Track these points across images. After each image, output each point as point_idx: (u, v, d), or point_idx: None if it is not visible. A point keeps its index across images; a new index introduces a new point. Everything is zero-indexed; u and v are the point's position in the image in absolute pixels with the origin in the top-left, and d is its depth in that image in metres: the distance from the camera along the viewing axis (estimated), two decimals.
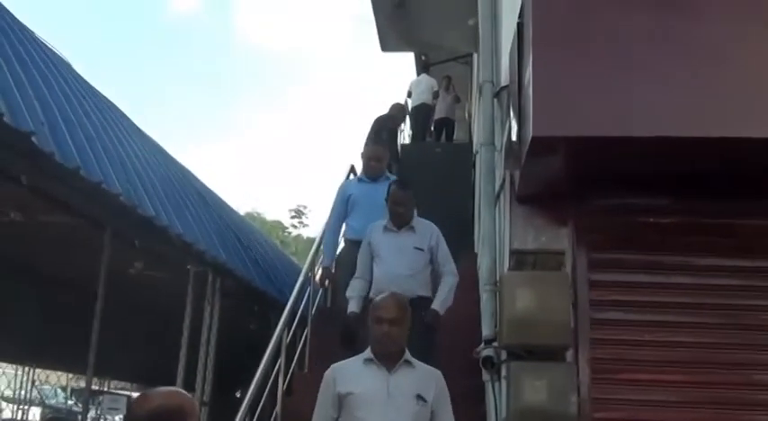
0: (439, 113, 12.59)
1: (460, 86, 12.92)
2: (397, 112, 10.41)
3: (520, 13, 3.41)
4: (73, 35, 50.06)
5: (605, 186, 3.35)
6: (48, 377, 18.64)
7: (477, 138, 8.00)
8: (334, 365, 3.14)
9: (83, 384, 20.56)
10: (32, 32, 5.82)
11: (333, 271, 5.48)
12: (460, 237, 7.23)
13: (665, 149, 3.05)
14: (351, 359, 3.16)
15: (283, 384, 5.26)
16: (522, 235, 3.50)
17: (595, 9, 3.12)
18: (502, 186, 4.05)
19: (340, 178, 7.33)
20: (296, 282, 6.10)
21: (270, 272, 8.96)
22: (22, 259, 7.46)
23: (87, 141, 5.12)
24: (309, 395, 5.11)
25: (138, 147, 6.69)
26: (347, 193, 5.41)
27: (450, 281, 4.39)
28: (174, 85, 59.87)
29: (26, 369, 17.03)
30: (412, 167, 9.09)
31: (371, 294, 4.31)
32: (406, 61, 13.44)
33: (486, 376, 3.85)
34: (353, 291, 4.48)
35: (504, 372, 3.56)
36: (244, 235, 9.07)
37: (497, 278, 3.91)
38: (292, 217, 35.24)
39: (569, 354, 3.26)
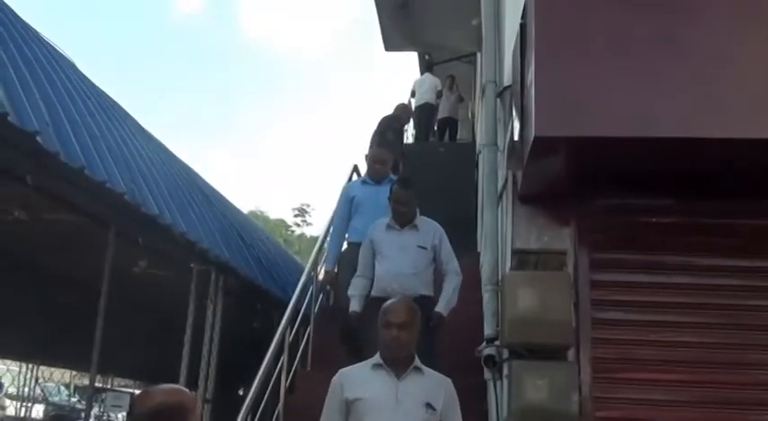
0: (442, 113, 12.59)
1: (464, 86, 12.91)
2: (402, 112, 10.41)
3: (522, 14, 3.42)
4: (77, 35, 50.20)
5: (607, 186, 3.36)
6: (52, 374, 18.72)
7: (480, 138, 8.01)
8: (341, 370, 3.08)
9: (86, 382, 20.70)
10: (37, 32, 5.85)
11: (335, 273, 5.47)
12: (463, 237, 7.24)
13: (666, 150, 3.06)
14: (359, 364, 3.11)
15: (286, 382, 5.28)
16: (525, 235, 3.50)
17: (597, 10, 3.13)
18: (504, 186, 4.06)
19: (343, 177, 7.35)
20: (298, 280, 6.12)
21: (272, 270, 8.99)
22: (26, 257, 7.51)
23: (92, 140, 5.15)
24: (311, 393, 5.16)
25: (142, 146, 6.72)
26: (351, 195, 5.40)
27: (454, 280, 4.39)
28: (177, 84, 59.97)
29: (30, 366, 17.10)
30: (415, 167, 9.09)
31: (374, 292, 4.34)
32: (409, 61, 13.42)
33: (487, 375, 3.85)
34: (355, 290, 4.47)
35: (505, 371, 3.57)
36: (247, 233, 9.10)
37: (499, 277, 3.92)
38: (296, 215, 35.30)
39: (571, 354, 3.27)
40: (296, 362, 5.73)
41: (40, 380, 18.71)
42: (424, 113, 12.30)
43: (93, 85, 6.66)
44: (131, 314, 8.57)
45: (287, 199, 69.43)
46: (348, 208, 5.37)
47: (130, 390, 16.65)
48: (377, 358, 3.01)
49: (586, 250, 3.41)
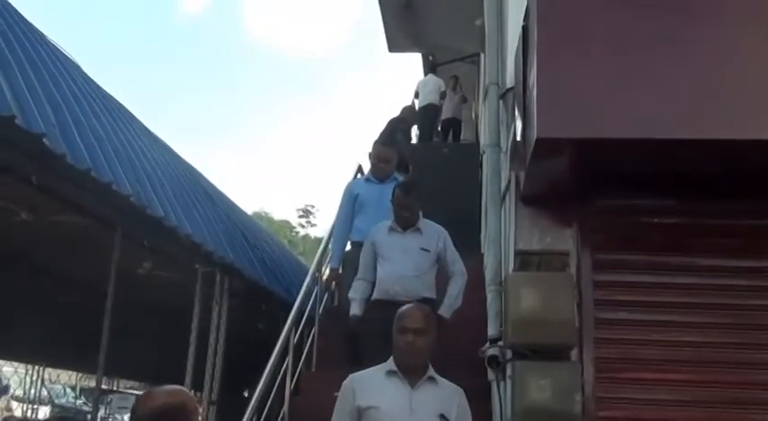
0: (446, 113, 12.61)
1: (467, 86, 12.93)
2: (408, 114, 10.46)
3: (525, 17, 3.43)
4: (80, 35, 50.36)
5: (609, 187, 3.37)
6: (59, 376, 18.79)
7: (483, 139, 8.02)
8: (353, 375, 3.02)
9: (92, 383, 20.76)
10: (43, 35, 5.89)
11: (340, 272, 5.39)
12: (467, 237, 7.25)
13: (668, 151, 3.07)
14: (371, 369, 3.04)
15: (291, 383, 5.30)
16: (528, 235, 3.51)
17: (599, 12, 3.14)
18: (507, 187, 4.07)
19: (348, 178, 7.36)
20: (303, 281, 6.13)
21: (277, 271, 9.01)
22: (33, 258, 7.54)
23: (97, 142, 5.19)
24: (316, 394, 5.19)
25: (147, 148, 6.76)
26: (354, 193, 5.34)
27: (459, 282, 4.37)
28: (181, 84, 60.11)
29: (36, 368, 17.17)
30: (419, 167, 9.11)
31: (375, 295, 4.32)
32: (413, 61, 13.43)
33: (491, 375, 3.86)
34: (355, 293, 4.43)
35: (509, 371, 3.58)
36: (251, 234, 9.13)
37: (503, 278, 3.93)
38: (300, 216, 35.35)
39: (574, 354, 3.27)
40: (301, 364, 5.75)
41: (46, 382, 18.78)
42: (428, 114, 12.32)
43: (98, 86, 6.70)
44: (137, 316, 8.60)
45: (291, 200, 69.51)
46: (351, 206, 5.31)
47: (137, 392, 16.67)
48: (391, 364, 2.96)
49: (589, 251, 3.42)
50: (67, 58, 6.27)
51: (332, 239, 5.68)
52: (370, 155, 5.57)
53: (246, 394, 12.36)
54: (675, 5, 3.11)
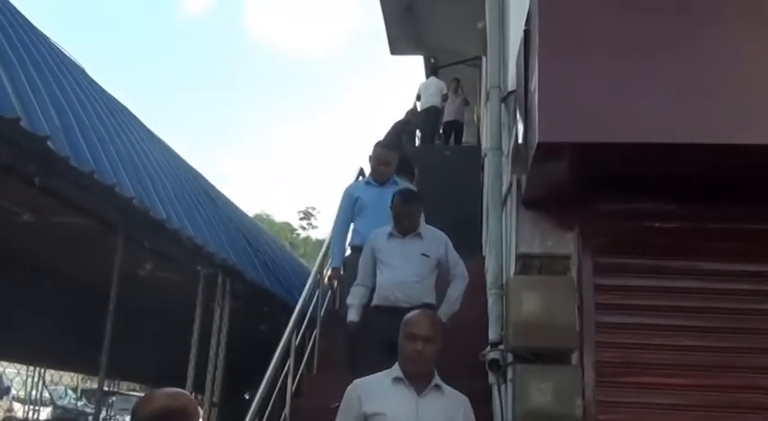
0: (448, 116, 12.62)
1: (469, 89, 12.95)
2: (413, 117, 10.50)
3: (526, 21, 3.45)
4: (83, 36, 50.47)
5: (611, 191, 3.38)
6: (61, 378, 18.80)
7: (485, 143, 8.03)
8: (357, 382, 3.01)
9: (93, 385, 20.77)
10: (47, 37, 5.92)
11: (342, 271, 5.33)
12: (468, 240, 7.27)
13: (670, 155, 3.07)
14: (376, 375, 3.02)
15: (292, 386, 5.31)
16: (529, 239, 3.52)
17: (601, 16, 3.15)
18: (509, 190, 4.08)
19: (349, 180, 7.37)
20: (304, 283, 6.14)
21: (279, 273, 9.03)
22: (34, 260, 7.56)
23: (101, 145, 5.21)
24: (318, 397, 5.20)
25: (150, 150, 6.78)
26: (354, 196, 5.30)
27: (459, 286, 4.38)
28: (183, 85, 60.23)
29: (37, 369, 17.18)
30: (421, 170, 9.13)
31: (375, 301, 4.30)
32: (416, 64, 13.45)
33: (492, 379, 3.87)
34: (354, 299, 4.41)
35: (510, 375, 3.58)
36: (253, 237, 9.15)
37: (504, 281, 3.94)
38: (301, 218, 35.37)
39: (575, 357, 3.28)
40: (302, 367, 5.75)
41: (48, 384, 18.79)
42: (430, 117, 12.34)
43: (101, 89, 6.73)
44: (139, 317, 8.62)
45: (292, 202, 69.56)
46: (351, 208, 5.27)
47: (139, 394, 16.67)
48: (397, 371, 2.94)
49: (590, 254, 3.43)
50: (71, 60, 6.31)
51: (331, 241, 5.64)
52: (370, 157, 5.52)
53: (247, 396, 12.37)
54: (676, 10, 3.12)
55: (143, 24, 58.82)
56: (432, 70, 12.90)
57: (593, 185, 3.33)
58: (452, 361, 3.97)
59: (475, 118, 13.48)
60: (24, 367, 17.56)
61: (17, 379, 18.82)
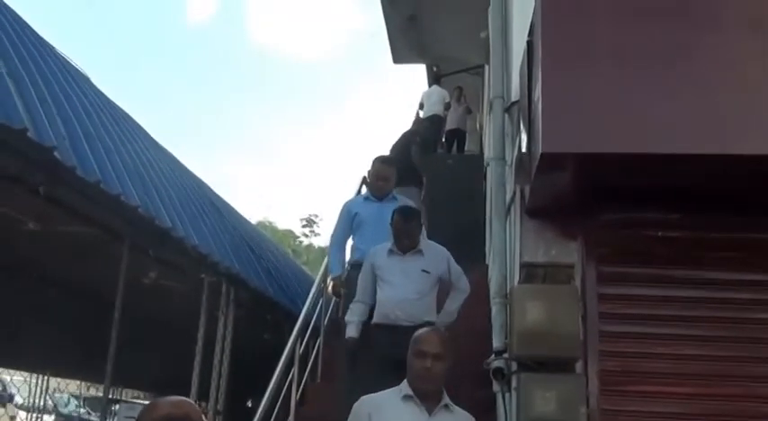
0: (450, 124, 12.66)
1: (471, 97, 12.99)
2: (421, 127, 10.53)
3: (529, 32, 3.48)
4: (88, 47, 50.69)
5: (614, 201, 3.39)
6: (67, 385, 18.78)
7: (488, 152, 8.06)
8: (364, 398, 3.00)
9: (96, 393, 20.74)
10: (53, 47, 5.98)
11: (343, 279, 5.24)
12: (471, 249, 7.28)
13: (673, 165, 3.07)
14: (384, 393, 3.00)
15: (296, 394, 5.32)
16: (533, 248, 3.53)
17: (604, 27, 3.16)
18: (512, 200, 4.10)
19: (351, 187, 7.41)
20: (307, 291, 6.15)
21: (282, 282, 9.05)
22: (39, 268, 7.59)
23: (107, 154, 5.25)
24: (321, 405, 5.22)
25: (155, 159, 6.83)
26: (353, 212, 5.24)
27: (459, 298, 4.39)
28: (185, 91, 60.42)
29: (41, 377, 17.19)
30: (429, 180, 9.10)
31: (375, 319, 4.28)
32: (420, 72, 13.51)
33: (496, 387, 3.88)
34: (353, 316, 4.38)
35: (514, 384, 3.59)
36: (257, 245, 9.17)
37: (508, 290, 3.95)
38: (304, 226, 35.46)
39: (579, 366, 3.28)
40: (306, 375, 5.76)
41: (51, 391, 18.79)
42: (433, 125, 12.37)
43: (107, 99, 6.78)
44: (143, 325, 8.64)
45: (295, 209, 69.64)
46: (349, 224, 5.22)
47: (144, 402, 16.67)
48: (406, 388, 2.92)
49: (594, 264, 3.44)
50: (77, 70, 6.36)
51: (330, 254, 5.55)
52: (368, 172, 5.47)
53: (250, 404, 12.36)
54: (680, 21, 3.13)
55: (148, 31, 59.18)
56: (434, 79, 12.95)
57: (597, 195, 3.34)
58: (456, 369, 4.01)
59: (477, 126, 13.53)
60: (26, 374, 17.57)
61: (23, 386, 18.83)
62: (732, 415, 3.21)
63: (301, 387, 5.53)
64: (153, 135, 7.83)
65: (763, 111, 2.98)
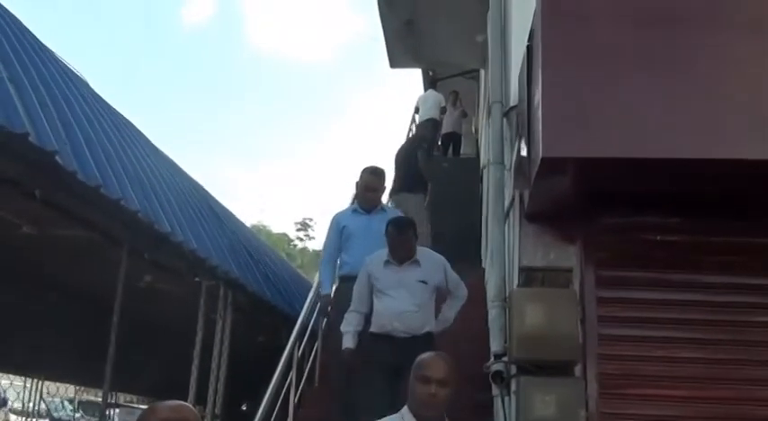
0: (446, 128, 12.68)
1: (467, 101, 13.02)
2: (425, 130, 10.54)
3: (529, 37, 3.51)
4: (84, 50, 50.61)
5: (613, 205, 3.42)
6: (64, 390, 18.69)
7: (484, 155, 8.08)
8: None
9: (89, 397, 20.64)
10: (53, 53, 5.99)
11: (332, 297, 5.18)
12: (468, 252, 7.31)
13: (673, 170, 3.11)
14: (385, 419, 2.94)
15: (294, 398, 5.33)
16: (532, 252, 3.56)
17: (604, 32, 3.18)
18: (511, 204, 4.12)
19: (347, 192, 7.42)
20: (304, 295, 6.16)
21: (279, 285, 9.06)
22: (34, 271, 7.57)
23: (107, 159, 5.27)
24: (318, 409, 5.23)
25: (155, 164, 6.84)
26: (341, 225, 5.18)
27: (456, 305, 4.40)
28: (181, 94, 60.35)
29: (34, 381, 17.12)
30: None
31: (373, 329, 4.24)
32: (414, 75, 13.52)
33: (495, 390, 3.90)
34: (349, 326, 4.32)
35: (513, 387, 3.61)
36: (254, 249, 9.19)
37: (507, 294, 3.97)
38: (298, 230, 35.45)
39: (578, 369, 3.30)
40: (303, 380, 5.77)
41: (45, 396, 18.70)
42: (429, 129, 12.39)
43: (106, 103, 6.80)
44: (140, 329, 8.62)
45: (289, 213, 69.56)
46: (338, 237, 5.16)
47: (142, 406, 16.60)
48: (408, 415, 2.86)
49: (592, 267, 3.47)
50: (77, 75, 6.38)
51: (320, 269, 5.48)
52: (356, 183, 5.40)
53: (245, 408, 12.34)
54: (679, 25, 3.15)
55: (144, 34, 59.12)
56: (430, 83, 12.98)
57: (596, 199, 3.37)
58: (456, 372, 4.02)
59: (473, 130, 13.56)
60: (19, 378, 17.49)
61: (10, 390, 18.76)
62: (730, 417, 3.24)
63: (299, 391, 5.54)
64: (149, 138, 7.84)
65: (763, 116, 3.01)
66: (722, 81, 3.07)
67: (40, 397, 17.95)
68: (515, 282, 3.75)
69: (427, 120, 12.25)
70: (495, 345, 3.90)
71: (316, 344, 6.08)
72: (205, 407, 7.41)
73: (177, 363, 7.92)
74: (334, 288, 5.23)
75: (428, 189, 7.71)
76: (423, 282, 4.23)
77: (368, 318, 4.33)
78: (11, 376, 17.73)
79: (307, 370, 5.95)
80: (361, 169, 5.34)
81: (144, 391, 18.06)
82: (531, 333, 3.30)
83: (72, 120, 5.01)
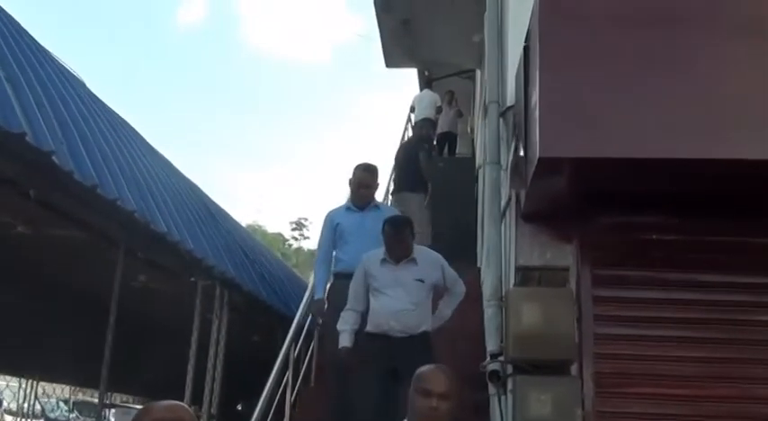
0: (441, 128, 12.69)
1: (462, 101, 13.04)
2: (426, 129, 10.53)
3: (526, 37, 3.51)
4: (80, 50, 50.49)
5: (609, 204, 3.42)
6: (60, 390, 18.65)
7: (480, 155, 8.10)
8: None
9: (84, 397, 20.58)
10: (50, 53, 5.98)
11: (325, 304, 5.09)
12: (463, 251, 7.32)
13: (670, 170, 3.11)
14: None
15: (291, 398, 5.33)
16: (528, 251, 3.57)
17: (601, 33, 3.19)
18: (507, 204, 4.12)
19: (342, 192, 7.41)
20: (299, 295, 6.15)
21: (275, 285, 9.07)
22: (29, 271, 7.55)
23: (103, 159, 5.26)
24: (314, 409, 5.23)
25: (151, 165, 6.84)
26: (335, 222, 5.11)
27: (454, 302, 4.39)
28: (177, 95, 60.26)
29: (29, 382, 17.08)
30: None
31: (369, 328, 4.21)
32: (410, 75, 13.54)
33: (492, 390, 3.90)
34: (345, 325, 4.28)
35: (509, 386, 3.61)
36: (250, 249, 9.19)
37: (503, 293, 3.98)
38: (293, 229, 35.43)
39: (574, 369, 3.31)
40: (299, 380, 5.76)
41: (39, 396, 18.66)
42: (429, 128, 12.38)
43: (103, 104, 6.79)
44: (136, 329, 8.62)
45: (284, 212, 69.54)
46: (332, 234, 5.10)
47: (138, 406, 16.57)
48: None
49: (589, 267, 3.47)
50: (74, 76, 6.37)
51: (314, 269, 5.39)
52: (349, 180, 5.32)
53: (240, 407, 12.34)
54: (677, 26, 3.16)
55: (139, 34, 59.01)
56: (426, 83, 12.98)
57: (593, 199, 3.37)
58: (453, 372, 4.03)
59: (468, 129, 13.58)
60: (20, 379, 17.45)
61: (6, 391, 18.71)
62: (727, 416, 3.25)
63: (295, 391, 5.54)
64: (146, 139, 7.84)
65: (760, 116, 3.02)
66: (722, 81, 3.08)
67: (35, 397, 17.91)
68: (512, 281, 3.76)
69: (423, 120, 12.26)
70: (491, 345, 3.91)
71: (312, 345, 6.07)
72: (201, 407, 7.41)
73: (173, 363, 7.91)
74: (328, 286, 5.20)
75: (428, 189, 7.71)
76: (420, 280, 4.21)
77: (364, 317, 4.31)
78: (6, 377, 17.68)
79: (303, 370, 5.95)
80: (354, 166, 5.30)
81: (140, 391, 18.04)
82: (527, 332, 3.31)
83: (69, 121, 5.00)
